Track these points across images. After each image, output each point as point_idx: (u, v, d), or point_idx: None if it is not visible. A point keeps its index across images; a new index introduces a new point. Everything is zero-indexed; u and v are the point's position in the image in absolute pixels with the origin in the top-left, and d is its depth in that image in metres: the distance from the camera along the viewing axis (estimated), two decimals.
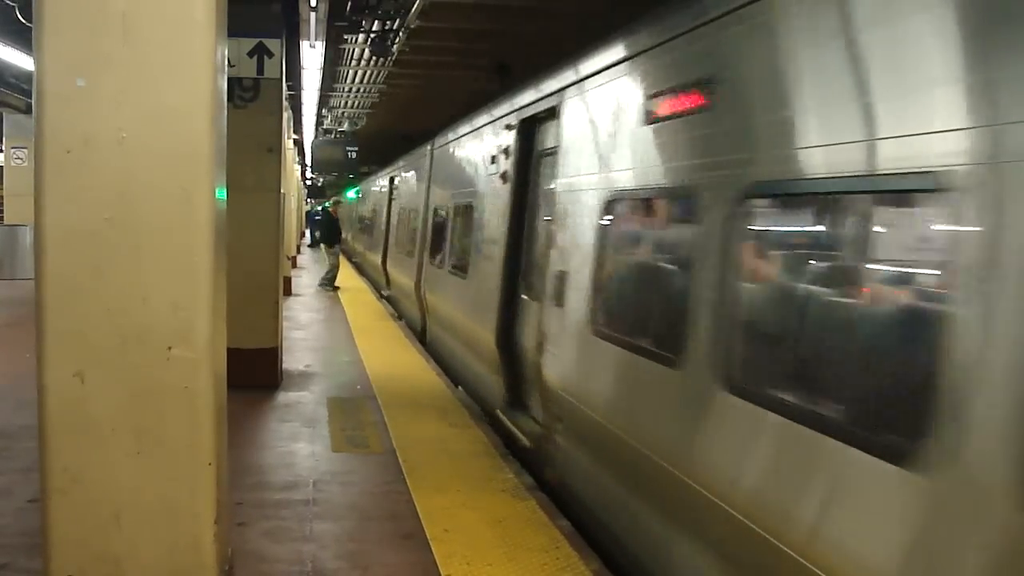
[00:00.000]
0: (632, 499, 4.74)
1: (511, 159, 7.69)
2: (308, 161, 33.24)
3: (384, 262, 18.68)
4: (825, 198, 3.47)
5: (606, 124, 5.54)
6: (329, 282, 19.09)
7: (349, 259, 28.85)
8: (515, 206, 7.51)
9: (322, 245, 19.75)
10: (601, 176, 5.51)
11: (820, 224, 3.69)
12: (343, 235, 24.51)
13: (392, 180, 18.96)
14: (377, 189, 22.98)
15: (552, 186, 6.55)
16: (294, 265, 20.39)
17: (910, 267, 3.10)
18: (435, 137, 13.06)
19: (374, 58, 14.61)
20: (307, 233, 41.43)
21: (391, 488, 5.81)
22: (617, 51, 5.52)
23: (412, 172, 15.62)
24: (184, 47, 3.34)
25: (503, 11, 11.41)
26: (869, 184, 3.08)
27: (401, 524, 5.18)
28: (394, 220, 17.70)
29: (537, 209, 7.21)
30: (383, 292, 18.93)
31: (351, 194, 35.44)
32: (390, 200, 18.93)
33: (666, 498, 4.27)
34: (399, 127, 23.57)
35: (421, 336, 12.76)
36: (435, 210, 12.34)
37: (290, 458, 6.47)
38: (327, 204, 26.81)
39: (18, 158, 19.92)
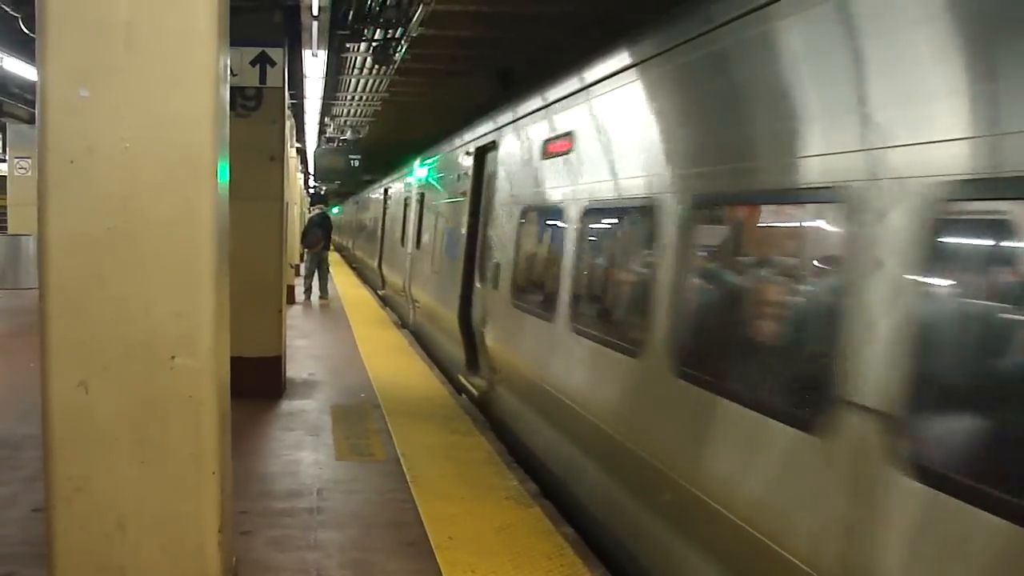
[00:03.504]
0: None
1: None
2: (311, 169, 33.32)
3: None
4: None
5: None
6: (324, 290, 18.93)
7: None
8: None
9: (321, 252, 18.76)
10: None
11: None
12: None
13: None
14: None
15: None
16: (297, 273, 20.36)
17: None
18: None
19: (376, 66, 14.65)
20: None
21: (395, 496, 5.80)
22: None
23: None
24: (187, 57, 3.35)
25: (504, 19, 11.47)
26: None
27: (405, 532, 5.17)
28: None
29: None
30: None
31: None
32: None
33: None
34: (401, 135, 23.63)
35: None
36: None
37: (294, 466, 6.47)
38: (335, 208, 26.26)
39: (21, 168, 19.96)
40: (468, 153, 10.16)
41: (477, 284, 9.30)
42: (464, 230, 9.88)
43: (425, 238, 13.37)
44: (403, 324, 14.97)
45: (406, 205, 16.25)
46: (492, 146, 9.13)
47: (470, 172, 9.88)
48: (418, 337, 13.43)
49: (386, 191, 21.12)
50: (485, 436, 7.36)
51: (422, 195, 14.12)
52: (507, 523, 5.31)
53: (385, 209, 20.72)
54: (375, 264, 21.60)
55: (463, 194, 10.15)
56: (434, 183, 13.14)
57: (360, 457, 6.72)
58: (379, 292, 20.63)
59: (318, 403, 8.57)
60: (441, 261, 11.45)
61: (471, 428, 7.64)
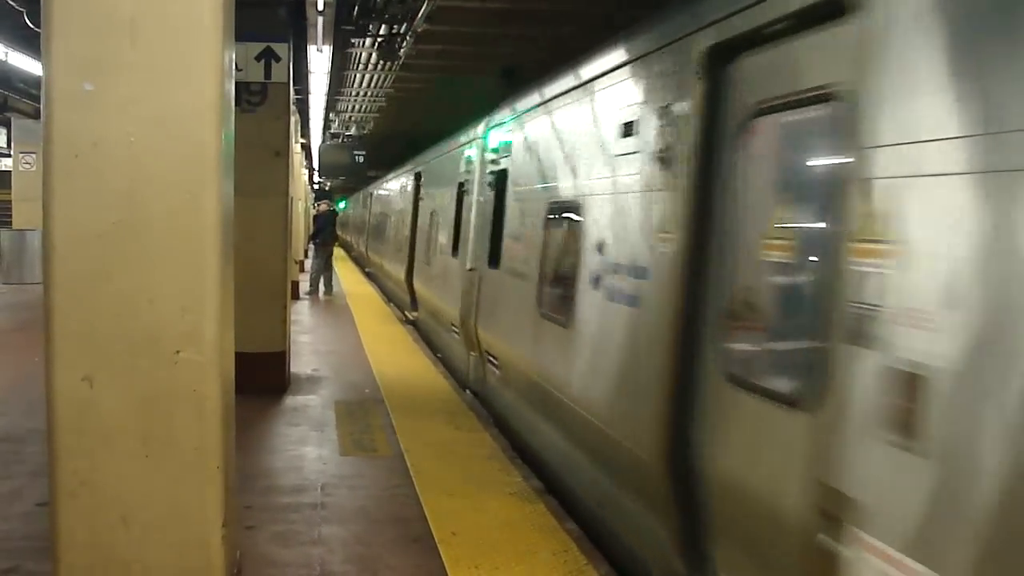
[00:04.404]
0: None
1: None
2: (316, 165, 33.39)
3: None
4: None
5: None
6: (328, 285, 18.94)
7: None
8: None
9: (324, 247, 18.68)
10: None
11: None
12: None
13: None
14: None
15: None
16: (302, 269, 20.40)
17: None
18: None
19: (381, 62, 14.66)
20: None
21: (399, 491, 5.80)
22: None
23: None
24: (192, 51, 3.35)
25: (509, 15, 11.46)
26: None
27: (409, 527, 5.17)
28: None
29: None
30: None
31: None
32: None
33: None
34: (406, 131, 23.66)
35: None
36: None
37: (298, 461, 6.47)
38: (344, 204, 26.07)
39: (26, 163, 20.00)
40: (669, 74, 4.48)
41: (723, 379, 3.76)
42: (655, 245, 4.46)
43: (517, 250, 7.79)
44: (464, 386, 9.45)
45: (461, 194, 10.75)
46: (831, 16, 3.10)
47: (682, 120, 4.21)
48: (499, 418, 8.00)
49: (418, 177, 15.34)
50: (489, 432, 7.36)
51: (501, 177, 8.59)
52: (511, 519, 5.30)
53: (417, 202, 15.12)
54: (402, 276, 15.81)
55: (660, 163, 4.45)
56: (529, 156, 7.67)
57: (364, 453, 6.72)
58: (408, 315, 15.25)
59: (322, 399, 8.57)
60: (572, 303, 5.80)
61: (475, 424, 7.64)
